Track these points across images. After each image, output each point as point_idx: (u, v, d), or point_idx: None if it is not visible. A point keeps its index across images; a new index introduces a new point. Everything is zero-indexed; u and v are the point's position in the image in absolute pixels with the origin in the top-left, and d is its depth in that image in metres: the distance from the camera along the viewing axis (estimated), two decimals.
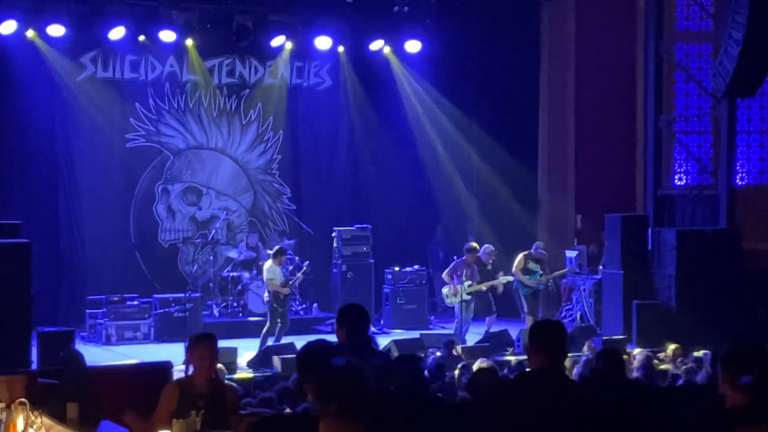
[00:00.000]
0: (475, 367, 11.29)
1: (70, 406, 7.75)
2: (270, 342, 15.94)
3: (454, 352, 15.05)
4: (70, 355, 9.71)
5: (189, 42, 19.32)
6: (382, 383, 6.97)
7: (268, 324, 16.20)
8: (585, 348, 14.85)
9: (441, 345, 15.15)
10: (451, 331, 17.32)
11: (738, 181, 19.99)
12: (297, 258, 18.89)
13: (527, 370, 6.09)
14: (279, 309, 16.20)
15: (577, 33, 21.23)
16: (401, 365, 7.73)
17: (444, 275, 17.62)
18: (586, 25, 21.18)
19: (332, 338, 7.35)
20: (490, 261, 17.73)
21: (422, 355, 13.92)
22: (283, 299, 16.26)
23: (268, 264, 16.50)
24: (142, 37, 19.02)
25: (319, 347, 6.12)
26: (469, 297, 17.20)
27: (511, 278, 17.68)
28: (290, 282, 16.53)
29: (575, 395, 6.01)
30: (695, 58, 20.78)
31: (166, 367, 9.14)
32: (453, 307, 17.52)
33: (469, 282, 17.16)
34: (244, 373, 14.62)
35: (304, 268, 17.51)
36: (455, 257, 17.90)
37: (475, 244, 17.65)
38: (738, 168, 20.04)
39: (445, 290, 17.58)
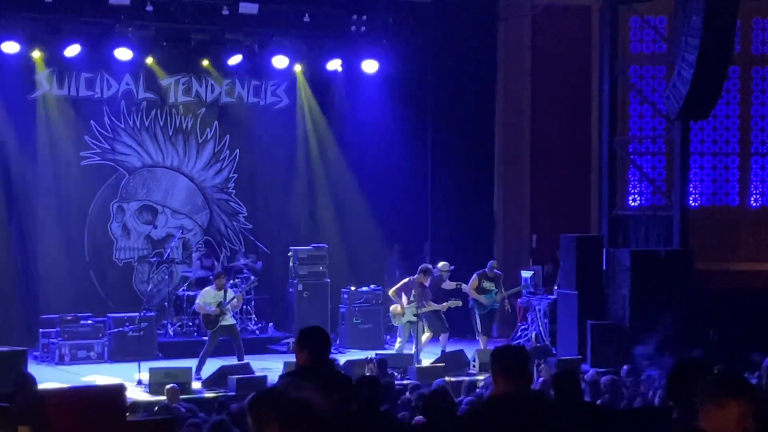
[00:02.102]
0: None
1: (22, 430, 7.67)
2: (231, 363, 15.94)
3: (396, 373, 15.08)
4: (22, 377, 9.63)
5: (149, 60, 19.28)
6: (343, 406, 6.99)
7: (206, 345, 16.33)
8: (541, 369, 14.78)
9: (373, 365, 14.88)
10: (408, 351, 17.28)
11: (691, 202, 20.23)
12: (252, 278, 18.82)
13: (491, 395, 6.09)
14: (209, 330, 16.29)
15: (533, 54, 21.40)
16: (361, 387, 7.73)
17: (391, 292, 17.60)
18: (542, 47, 21.36)
19: (290, 358, 7.36)
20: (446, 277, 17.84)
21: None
22: (214, 320, 16.22)
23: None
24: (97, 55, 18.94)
25: (269, 391, 5.99)
26: (415, 318, 17.19)
27: (459, 303, 17.66)
28: (225, 305, 16.36)
29: (544, 419, 6.00)
30: (649, 80, 21.02)
31: (119, 389, 9.07)
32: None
33: (415, 303, 17.11)
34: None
35: (239, 291, 17.25)
36: (410, 277, 17.89)
37: (429, 266, 17.64)
38: (691, 189, 20.28)
39: (392, 309, 17.53)
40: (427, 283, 17.32)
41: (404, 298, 17.20)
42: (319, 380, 6.62)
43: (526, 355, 6.19)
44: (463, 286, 17.86)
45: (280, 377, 7.35)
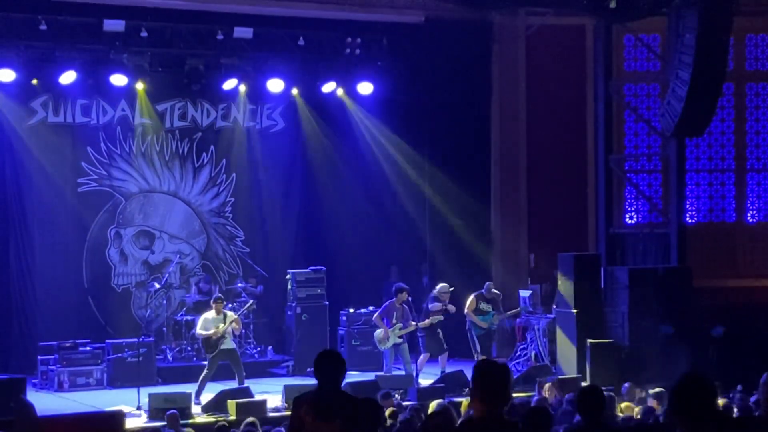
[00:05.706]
0: (429, 409, 11.26)
1: None
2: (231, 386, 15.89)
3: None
4: (21, 405, 9.62)
5: (140, 86, 19.30)
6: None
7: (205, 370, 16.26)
8: (545, 389, 14.73)
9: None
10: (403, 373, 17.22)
11: (688, 219, 20.25)
12: (250, 301, 18.76)
13: (470, 416, 6.05)
14: (209, 355, 16.20)
15: (528, 73, 21.44)
16: (362, 408, 7.72)
17: (374, 318, 17.57)
18: (537, 66, 21.41)
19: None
20: (447, 299, 17.75)
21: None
22: (214, 345, 16.13)
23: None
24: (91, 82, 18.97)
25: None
26: (400, 340, 17.16)
27: (441, 317, 17.58)
28: (222, 327, 16.28)
29: None
30: (644, 97, 21.09)
31: (117, 415, 9.08)
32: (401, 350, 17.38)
33: (400, 325, 17.10)
34: (200, 418, 14.62)
35: (237, 314, 17.14)
36: (389, 300, 17.77)
37: (403, 285, 17.53)
38: (688, 206, 20.31)
39: (376, 334, 17.47)
40: (405, 303, 17.25)
41: (385, 322, 17.10)
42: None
43: (505, 375, 5.96)
44: (450, 306, 17.70)
45: (296, 400, 7.49)
